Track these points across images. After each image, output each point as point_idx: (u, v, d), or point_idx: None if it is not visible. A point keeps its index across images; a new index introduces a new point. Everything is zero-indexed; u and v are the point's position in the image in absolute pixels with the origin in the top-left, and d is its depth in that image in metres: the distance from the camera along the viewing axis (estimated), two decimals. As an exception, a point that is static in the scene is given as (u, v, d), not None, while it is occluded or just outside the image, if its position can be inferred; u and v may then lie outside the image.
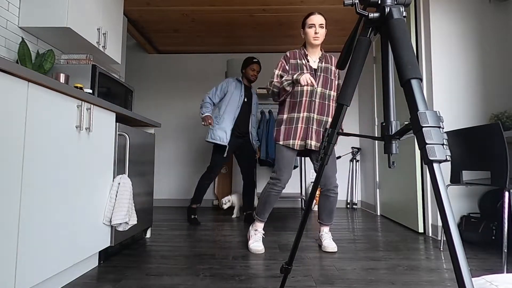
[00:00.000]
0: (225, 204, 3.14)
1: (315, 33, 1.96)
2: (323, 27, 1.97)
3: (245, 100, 2.86)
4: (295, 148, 1.95)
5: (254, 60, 2.86)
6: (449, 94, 2.34)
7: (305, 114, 1.96)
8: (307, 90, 1.97)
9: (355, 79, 0.87)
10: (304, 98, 1.96)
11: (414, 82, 0.65)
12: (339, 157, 3.95)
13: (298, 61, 2.02)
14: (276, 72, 2.03)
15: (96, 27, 2.11)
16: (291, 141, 1.95)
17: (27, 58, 1.72)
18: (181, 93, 4.15)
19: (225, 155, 2.75)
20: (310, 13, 1.99)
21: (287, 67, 2.03)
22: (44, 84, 1.16)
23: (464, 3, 2.39)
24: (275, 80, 1.99)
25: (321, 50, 2.07)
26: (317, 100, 1.96)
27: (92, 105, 1.49)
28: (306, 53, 2.04)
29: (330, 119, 1.99)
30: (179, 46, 3.98)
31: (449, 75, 2.35)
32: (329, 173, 1.99)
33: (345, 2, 0.81)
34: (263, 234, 2.05)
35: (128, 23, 3.27)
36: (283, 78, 1.92)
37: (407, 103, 0.65)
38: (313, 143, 1.94)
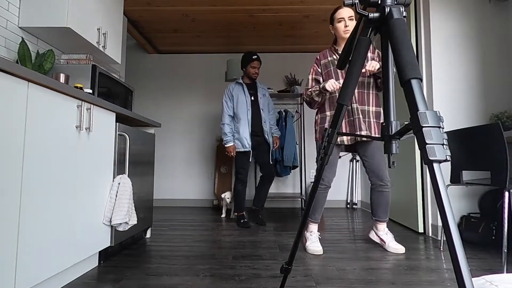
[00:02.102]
0: (228, 198, 3.08)
1: (345, 26, 1.93)
2: (352, 19, 1.94)
3: (252, 98, 2.82)
4: (344, 143, 1.94)
5: (254, 56, 2.77)
6: (449, 94, 2.34)
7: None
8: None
9: (355, 79, 0.87)
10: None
11: (414, 82, 0.65)
12: (339, 157, 3.95)
13: (329, 58, 2.01)
14: (310, 77, 2.06)
15: (96, 27, 2.11)
16: (338, 138, 1.92)
17: (27, 58, 1.72)
18: (181, 93, 4.15)
19: (250, 159, 2.75)
20: (337, 7, 1.97)
21: (319, 70, 2.04)
22: (44, 84, 1.16)
23: (464, 3, 2.39)
24: (309, 87, 2.01)
25: None
26: (356, 90, 1.91)
27: (92, 105, 1.49)
28: (336, 48, 2.02)
29: (372, 108, 1.94)
30: (179, 46, 3.98)
31: (449, 75, 2.35)
32: (377, 168, 1.92)
33: (345, 2, 0.81)
34: (319, 234, 2.02)
35: (128, 23, 3.27)
36: (311, 89, 1.95)
37: (407, 103, 0.65)
38: (363, 133, 1.87)
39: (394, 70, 0.92)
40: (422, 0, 2.48)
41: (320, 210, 2.02)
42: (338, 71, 1.96)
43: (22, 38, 1.82)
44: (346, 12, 1.94)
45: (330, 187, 1.99)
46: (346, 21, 1.93)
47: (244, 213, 2.80)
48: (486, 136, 1.59)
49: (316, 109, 2.09)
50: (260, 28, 3.47)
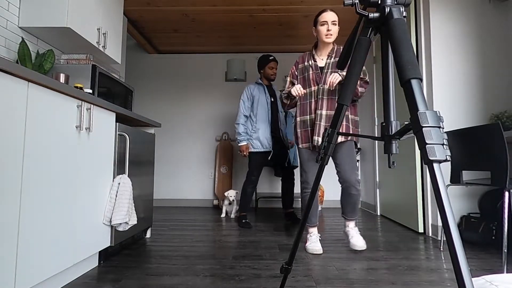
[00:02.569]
0: (231, 197, 3.05)
1: (328, 30, 1.92)
2: (335, 24, 1.94)
3: (272, 100, 2.84)
4: (315, 149, 1.98)
5: (271, 57, 2.81)
6: (449, 94, 2.34)
7: (312, 115, 1.98)
8: (314, 91, 1.97)
9: (355, 79, 0.87)
10: (313, 99, 1.98)
11: (414, 82, 0.65)
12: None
13: (305, 64, 2.04)
14: (288, 79, 2.13)
15: (96, 27, 2.11)
16: (310, 144, 1.98)
17: (27, 58, 1.72)
18: (181, 93, 4.15)
19: (269, 158, 2.77)
20: (322, 10, 1.96)
21: (296, 73, 2.10)
22: (44, 84, 1.16)
23: (464, 3, 2.39)
24: (286, 89, 2.09)
25: (333, 44, 2.03)
26: (324, 97, 1.94)
27: (92, 105, 1.49)
28: (313, 53, 2.04)
29: (353, 116, 2.00)
30: (179, 46, 3.98)
31: (449, 75, 2.35)
32: (346, 173, 1.94)
33: (345, 2, 0.81)
34: (319, 235, 2.02)
35: (128, 23, 3.27)
36: (283, 91, 2.06)
37: (407, 103, 0.65)
38: (320, 139, 1.91)
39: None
40: (422, 0, 2.48)
41: (315, 213, 2.03)
42: (311, 78, 1.99)
43: (22, 38, 1.81)
44: (330, 16, 1.92)
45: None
46: (329, 24, 1.92)
47: (246, 214, 2.79)
48: (486, 136, 1.59)
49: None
50: (260, 28, 3.47)
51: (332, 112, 1.94)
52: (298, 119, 2.05)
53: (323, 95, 1.94)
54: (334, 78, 1.84)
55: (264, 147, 2.72)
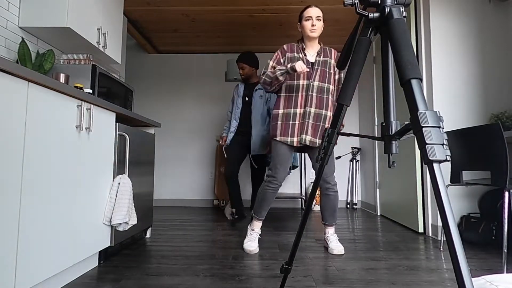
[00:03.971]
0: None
1: (312, 25, 1.91)
2: (320, 20, 1.93)
3: (246, 99, 2.87)
4: (293, 145, 1.93)
5: (236, 60, 2.89)
6: (449, 94, 2.34)
7: (302, 110, 1.93)
8: (303, 85, 1.93)
9: (355, 79, 0.87)
10: (300, 93, 1.93)
11: (414, 82, 0.65)
12: (339, 157, 3.95)
13: (296, 55, 1.98)
14: (270, 63, 2.00)
15: (96, 27, 2.11)
16: (288, 138, 1.92)
17: (27, 58, 1.72)
18: (181, 93, 4.15)
19: (225, 155, 2.88)
20: (307, 6, 1.96)
21: (281, 60, 1.99)
22: (44, 84, 1.16)
23: (464, 3, 2.39)
24: (268, 70, 1.95)
25: (319, 44, 2.04)
26: (314, 94, 1.92)
27: (92, 105, 1.49)
28: (304, 46, 2.00)
29: (329, 113, 1.96)
30: (179, 46, 3.98)
31: (449, 75, 2.35)
32: (327, 172, 1.97)
33: (345, 2, 0.81)
34: (259, 234, 2.03)
35: (128, 23, 3.27)
36: (277, 68, 1.88)
37: (407, 103, 0.65)
38: (308, 138, 1.90)
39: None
40: (422, 0, 2.48)
41: (267, 209, 2.01)
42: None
43: (22, 38, 1.82)
44: (314, 12, 1.92)
45: (281, 185, 2.00)
46: (313, 20, 1.91)
47: (236, 209, 2.86)
48: (486, 136, 1.59)
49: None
50: (260, 28, 3.47)
51: (320, 111, 1.93)
52: (280, 111, 1.96)
53: (313, 92, 1.92)
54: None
55: (228, 141, 2.88)
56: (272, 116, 2.02)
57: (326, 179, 1.97)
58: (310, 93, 1.92)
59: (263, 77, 1.95)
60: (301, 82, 1.94)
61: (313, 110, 1.92)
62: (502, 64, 2.34)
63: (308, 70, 1.80)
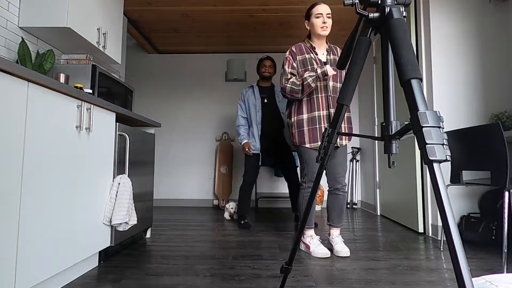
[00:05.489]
0: (232, 208, 3.03)
1: (323, 22, 1.86)
2: (330, 17, 1.88)
3: (265, 101, 2.84)
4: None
5: (263, 57, 2.88)
6: (449, 94, 2.34)
7: (325, 112, 1.88)
8: (321, 86, 1.89)
9: (355, 79, 0.87)
10: (320, 95, 1.88)
11: (414, 82, 0.65)
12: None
13: (306, 56, 1.92)
14: (288, 69, 1.93)
15: (96, 27, 2.11)
16: (319, 143, 1.85)
17: (27, 58, 1.72)
18: (181, 93, 4.15)
19: (260, 163, 2.75)
20: (315, 3, 1.91)
21: (294, 64, 1.93)
22: (44, 84, 1.16)
23: (464, 3, 2.39)
24: (293, 78, 1.89)
25: (326, 42, 1.99)
26: (331, 95, 1.88)
27: (92, 105, 1.49)
28: (313, 45, 1.94)
29: (346, 113, 1.93)
30: (179, 46, 3.98)
31: (449, 75, 2.35)
32: (337, 172, 1.95)
33: (345, 2, 0.81)
34: (319, 238, 1.96)
35: (128, 23, 3.27)
36: (306, 75, 1.82)
37: (407, 103, 0.65)
38: (338, 140, 1.87)
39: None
40: (422, 0, 2.48)
41: (313, 215, 2.03)
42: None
43: (22, 38, 1.81)
44: (324, 8, 1.87)
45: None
46: (324, 17, 1.86)
47: (245, 215, 2.76)
48: (486, 136, 1.59)
49: (291, 111, 1.99)
50: (260, 28, 3.47)
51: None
52: (304, 116, 1.90)
53: (331, 93, 1.88)
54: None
55: (256, 148, 2.72)
56: (296, 122, 1.94)
57: (338, 179, 1.94)
58: (329, 94, 1.88)
59: (289, 86, 1.87)
60: (318, 84, 1.90)
61: (334, 111, 1.89)
62: (503, 64, 2.34)
63: (335, 73, 1.77)
